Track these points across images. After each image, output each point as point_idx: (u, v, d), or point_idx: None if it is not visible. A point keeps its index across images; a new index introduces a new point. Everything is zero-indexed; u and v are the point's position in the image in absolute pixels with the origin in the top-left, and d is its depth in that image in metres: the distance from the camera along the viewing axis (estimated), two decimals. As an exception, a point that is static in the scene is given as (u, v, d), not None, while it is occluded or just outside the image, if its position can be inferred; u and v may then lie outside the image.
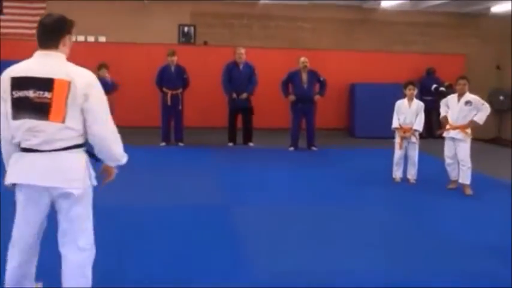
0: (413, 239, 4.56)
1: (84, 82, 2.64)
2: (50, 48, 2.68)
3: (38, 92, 2.58)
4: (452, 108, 6.38)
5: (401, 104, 6.87)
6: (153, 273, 3.64)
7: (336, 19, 11.80)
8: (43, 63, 2.65)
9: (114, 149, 2.81)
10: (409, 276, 3.70)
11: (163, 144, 9.41)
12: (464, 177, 6.29)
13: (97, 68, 8.97)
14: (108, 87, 9.04)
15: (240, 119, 9.77)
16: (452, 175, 6.52)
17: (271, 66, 10.59)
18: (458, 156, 6.32)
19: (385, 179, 6.88)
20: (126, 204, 5.43)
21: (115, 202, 5.49)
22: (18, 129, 2.63)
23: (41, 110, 2.58)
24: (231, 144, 9.73)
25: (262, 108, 10.28)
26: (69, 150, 2.68)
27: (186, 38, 11.41)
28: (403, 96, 6.91)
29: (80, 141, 2.73)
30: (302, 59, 9.25)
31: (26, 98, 2.58)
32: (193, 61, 10.33)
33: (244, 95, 9.51)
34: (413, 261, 4.02)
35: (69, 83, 2.59)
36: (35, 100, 2.58)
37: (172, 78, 9.36)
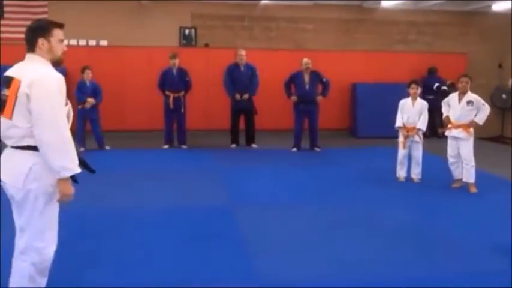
0: (418, 238, 4.56)
1: (27, 81, 2.67)
2: (28, 52, 2.81)
3: (3, 90, 2.74)
4: (454, 107, 6.38)
5: (404, 103, 6.86)
6: (157, 274, 3.64)
7: (337, 19, 11.80)
8: (20, 65, 2.81)
9: (50, 157, 2.65)
10: (414, 276, 3.70)
11: (166, 146, 9.41)
12: (468, 175, 6.28)
13: (81, 72, 8.98)
14: (85, 90, 8.98)
15: (243, 120, 9.78)
16: (456, 174, 6.51)
17: (273, 67, 10.60)
18: (462, 155, 6.31)
19: (388, 179, 6.86)
20: (130, 206, 5.43)
21: (120, 204, 5.51)
22: None
23: (0, 106, 2.74)
24: (233, 145, 9.73)
25: (265, 110, 10.27)
26: (20, 150, 2.73)
27: (187, 40, 11.42)
28: (406, 95, 6.90)
29: (32, 143, 2.70)
30: (305, 60, 9.24)
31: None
32: (194, 63, 10.35)
33: (246, 96, 9.51)
34: (417, 260, 4.01)
35: (19, 82, 2.68)
36: (1, 97, 2.76)
37: (174, 81, 9.36)
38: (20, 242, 2.84)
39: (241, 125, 9.79)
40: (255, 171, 7.37)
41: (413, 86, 6.83)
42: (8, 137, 2.75)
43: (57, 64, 2.85)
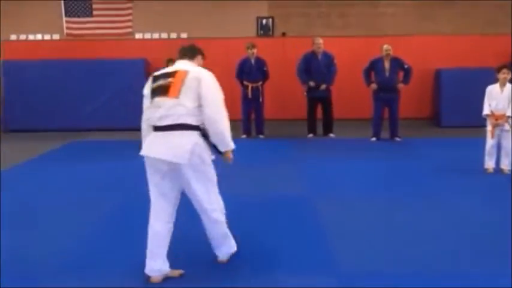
0: (506, 238, 4.23)
1: (195, 73, 3.36)
2: (188, 59, 3.56)
3: (165, 80, 3.37)
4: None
5: (492, 89, 6.46)
6: (236, 266, 3.70)
7: (419, 2, 11.30)
8: (177, 66, 3.52)
9: (225, 133, 3.34)
10: (500, 279, 3.44)
11: (243, 136, 9.53)
12: None
13: (165, 64, 9.26)
14: None
15: (320, 109, 9.67)
16: (552, 165, 6.05)
17: (351, 54, 10.40)
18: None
19: (476, 170, 6.50)
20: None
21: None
22: (149, 107, 3.40)
23: (164, 90, 3.33)
24: (311, 135, 9.66)
25: (343, 98, 10.11)
26: (179, 131, 3.26)
27: (264, 30, 11.45)
28: (495, 80, 6.49)
29: (192, 122, 3.26)
30: (385, 46, 8.95)
31: (158, 85, 3.39)
32: (271, 53, 10.37)
33: (324, 86, 9.39)
34: (498, 265, 3.67)
35: (186, 72, 3.36)
36: (162, 84, 3.36)
37: (252, 71, 9.44)
38: (208, 206, 3.43)
39: (319, 114, 9.70)
40: (333, 161, 7.27)
41: (504, 70, 6.41)
42: (169, 115, 3.26)
43: None
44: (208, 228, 3.55)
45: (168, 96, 3.27)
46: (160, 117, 3.28)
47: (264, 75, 9.50)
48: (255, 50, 9.37)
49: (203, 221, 3.52)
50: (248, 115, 9.59)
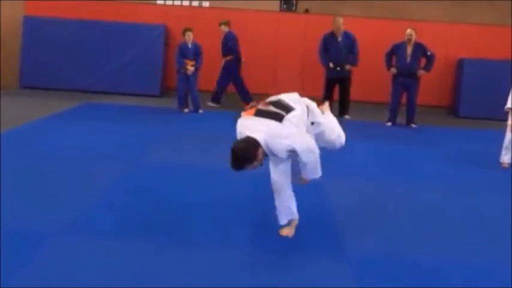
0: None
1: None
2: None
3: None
4: None
5: (517, 84, 6.30)
6: (238, 244, 3.68)
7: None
8: None
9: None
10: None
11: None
12: None
13: (182, 33, 9.09)
14: (187, 52, 9.09)
15: (337, 90, 9.55)
16: None
17: (374, 37, 10.20)
18: None
19: (491, 164, 6.39)
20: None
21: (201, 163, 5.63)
22: None
23: None
24: (326, 115, 9.55)
25: (361, 81, 9.97)
26: None
27: (287, 5, 11.26)
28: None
29: None
30: (408, 31, 8.77)
31: None
32: (293, 29, 10.22)
33: (348, 67, 9.22)
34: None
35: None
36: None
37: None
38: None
39: (336, 94, 9.58)
40: (346, 144, 7.15)
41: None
42: None
43: None
44: None
45: None
46: None
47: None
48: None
49: None
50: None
